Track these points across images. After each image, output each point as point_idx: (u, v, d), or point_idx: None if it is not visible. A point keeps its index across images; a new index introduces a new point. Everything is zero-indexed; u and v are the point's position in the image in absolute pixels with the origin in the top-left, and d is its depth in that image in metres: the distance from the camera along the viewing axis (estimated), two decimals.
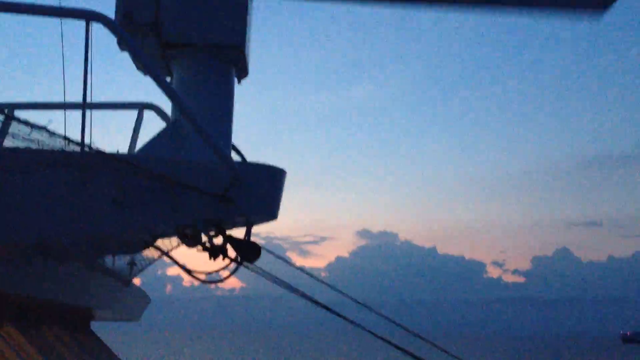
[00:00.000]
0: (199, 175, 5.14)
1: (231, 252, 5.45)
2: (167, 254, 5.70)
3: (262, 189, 5.37)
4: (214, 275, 5.72)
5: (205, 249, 5.48)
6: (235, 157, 5.98)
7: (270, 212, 5.46)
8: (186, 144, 5.57)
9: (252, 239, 5.53)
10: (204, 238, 5.60)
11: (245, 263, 5.55)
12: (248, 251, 5.36)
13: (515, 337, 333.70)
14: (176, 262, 5.68)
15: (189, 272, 5.65)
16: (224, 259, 5.39)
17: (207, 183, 5.10)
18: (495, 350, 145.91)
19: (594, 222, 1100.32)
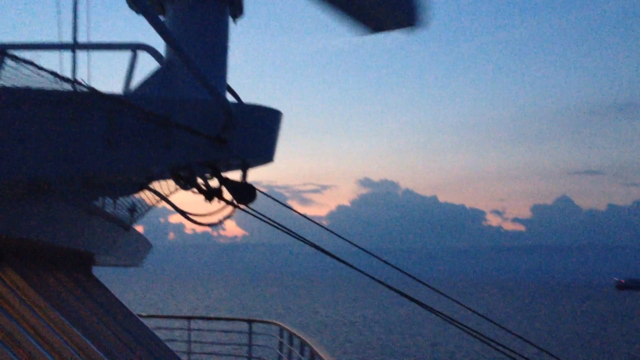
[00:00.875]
0: (193, 116, 5.04)
1: (227, 195, 5.42)
2: (162, 196, 5.65)
3: (257, 131, 5.27)
4: (211, 218, 5.69)
5: (200, 191, 5.43)
6: (230, 98, 5.87)
7: (266, 154, 5.38)
8: (180, 84, 5.45)
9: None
10: (200, 181, 5.55)
11: (242, 205, 5.51)
12: (243, 193, 5.31)
13: (514, 284, 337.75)
14: (172, 205, 5.65)
15: (185, 214, 5.61)
16: (219, 201, 5.34)
17: (202, 124, 5.00)
18: (493, 296, 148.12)
19: (595, 170, 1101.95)
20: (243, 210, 5.46)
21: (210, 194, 5.34)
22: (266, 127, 5.35)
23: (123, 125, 4.65)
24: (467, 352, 38.65)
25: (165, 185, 6.27)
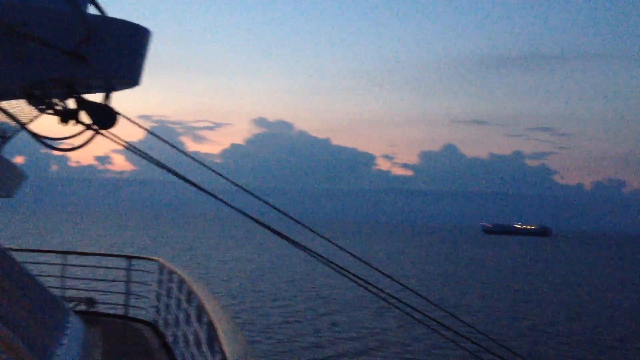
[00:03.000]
0: (47, 26, 4.46)
1: (86, 118, 4.91)
2: (12, 116, 5.04)
3: (121, 49, 4.74)
4: (68, 142, 5.15)
5: (56, 112, 4.89)
6: (92, 10, 5.28)
7: (130, 75, 4.87)
8: None
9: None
10: (56, 101, 5.00)
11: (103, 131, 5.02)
12: (103, 116, 4.82)
13: (396, 226, 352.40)
14: (22, 125, 5.06)
15: (37, 137, 5.05)
16: (76, 124, 4.83)
17: (57, 36, 4.44)
18: (372, 238, 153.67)
19: (480, 120, 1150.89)
20: (105, 136, 4.98)
21: (66, 116, 4.81)
22: (131, 46, 4.81)
23: None
24: (339, 291, 39.84)
25: (29, 111, 5.65)
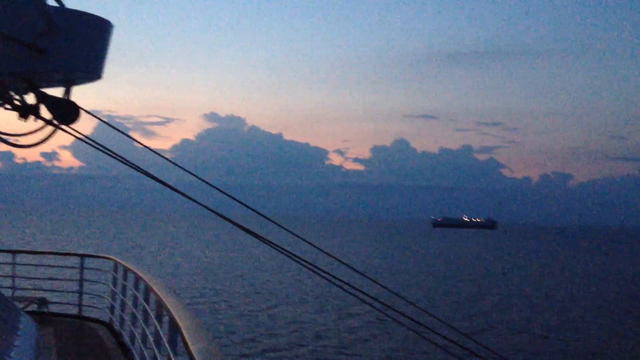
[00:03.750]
0: (5, 18, 4.32)
1: (46, 113, 4.77)
2: None
3: (82, 42, 4.62)
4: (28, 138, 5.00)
5: (14, 107, 4.74)
6: (51, 2, 5.14)
7: (92, 69, 4.75)
8: None
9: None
10: (15, 95, 4.85)
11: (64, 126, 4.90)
12: (64, 111, 4.69)
13: (352, 220, 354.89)
14: None
15: None
16: (36, 119, 4.69)
17: (16, 28, 4.31)
18: (327, 231, 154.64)
19: (429, 115, 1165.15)
20: (65, 131, 4.85)
21: (26, 111, 4.67)
22: (93, 39, 4.69)
23: None
24: (303, 284, 39.98)
25: None
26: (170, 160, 6.37)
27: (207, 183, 6.88)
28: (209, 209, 6.42)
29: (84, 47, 4.61)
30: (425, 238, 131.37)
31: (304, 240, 7.08)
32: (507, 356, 18.59)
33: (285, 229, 6.95)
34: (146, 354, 7.61)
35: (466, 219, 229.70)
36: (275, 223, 6.91)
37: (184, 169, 6.60)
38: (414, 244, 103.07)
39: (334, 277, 7.08)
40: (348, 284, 7.48)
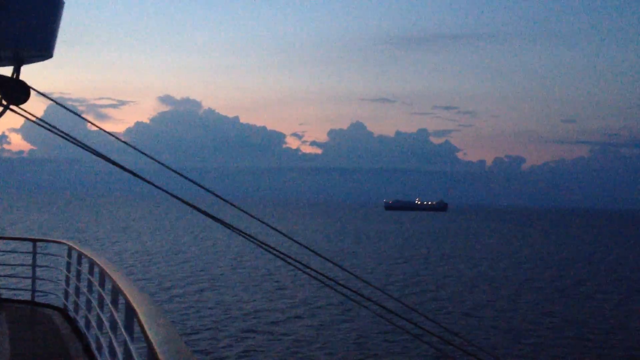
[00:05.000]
0: None
1: None
2: None
3: (32, 18, 4.45)
4: None
5: None
6: None
7: (42, 47, 4.58)
8: None
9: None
10: None
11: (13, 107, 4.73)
12: (14, 91, 4.54)
13: (307, 203, 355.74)
14: None
15: None
16: None
17: None
18: (286, 213, 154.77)
19: (386, 98, 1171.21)
20: (15, 112, 4.69)
21: None
22: (43, 15, 4.52)
23: None
24: (260, 266, 39.96)
25: None
26: (126, 143, 6.25)
27: (163, 165, 6.79)
28: (165, 191, 6.33)
29: (33, 24, 4.44)
30: (376, 221, 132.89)
31: (262, 221, 7.05)
32: (454, 330, 18.98)
33: (243, 210, 6.91)
34: (102, 340, 7.49)
35: (418, 202, 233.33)
36: (232, 204, 6.86)
37: (141, 151, 6.49)
38: (365, 227, 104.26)
39: (289, 257, 7.08)
40: (302, 264, 7.49)
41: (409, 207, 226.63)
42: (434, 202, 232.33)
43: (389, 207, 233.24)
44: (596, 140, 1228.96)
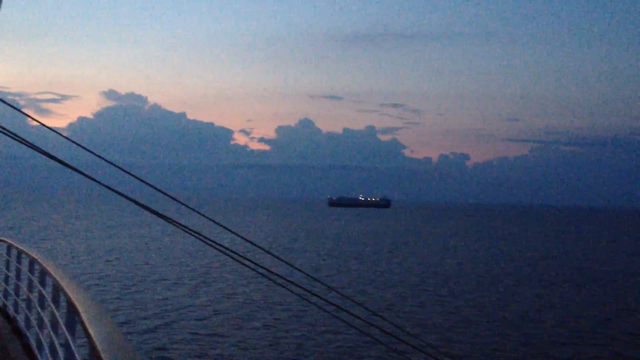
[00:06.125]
0: None
1: None
2: None
3: None
4: None
5: None
6: None
7: None
8: None
9: None
10: None
11: None
12: None
13: (253, 200, 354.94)
14: None
15: None
16: None
17: None
18: (234, 210, 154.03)
19: (334, 95, 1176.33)
20: None
21: None
22: None
23: None
24: (206, 263, 39.68)
25: None
26: (68, 138, 6.12)
27: (106, 161, 6.69)
28: (109, 189, 6.24)
29: None
30: (320, 217, 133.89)
31: (207, 217, 7.02)
32: (399, 325, 19.27)
33: (189, 207, 6.87)
34: (43, 340, 7.34)
35: (361, 198, 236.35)
36: (178, 201, 6.81)
37: (83, 147, 6.37)
38: (308, 223, 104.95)
39: (235, 253, 7.08)
40: (250, 260, 7.50)
41: (353, 203, 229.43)
42: (377, 199, 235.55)
43: (332, 203, 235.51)
44: (538, 138, 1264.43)
